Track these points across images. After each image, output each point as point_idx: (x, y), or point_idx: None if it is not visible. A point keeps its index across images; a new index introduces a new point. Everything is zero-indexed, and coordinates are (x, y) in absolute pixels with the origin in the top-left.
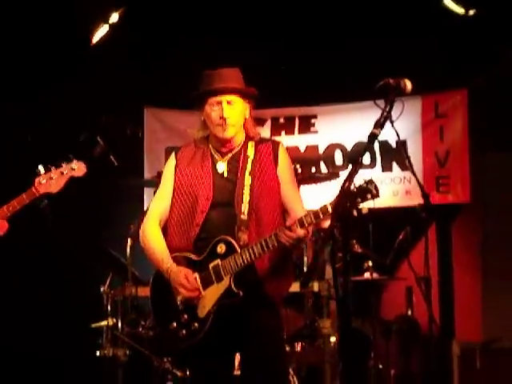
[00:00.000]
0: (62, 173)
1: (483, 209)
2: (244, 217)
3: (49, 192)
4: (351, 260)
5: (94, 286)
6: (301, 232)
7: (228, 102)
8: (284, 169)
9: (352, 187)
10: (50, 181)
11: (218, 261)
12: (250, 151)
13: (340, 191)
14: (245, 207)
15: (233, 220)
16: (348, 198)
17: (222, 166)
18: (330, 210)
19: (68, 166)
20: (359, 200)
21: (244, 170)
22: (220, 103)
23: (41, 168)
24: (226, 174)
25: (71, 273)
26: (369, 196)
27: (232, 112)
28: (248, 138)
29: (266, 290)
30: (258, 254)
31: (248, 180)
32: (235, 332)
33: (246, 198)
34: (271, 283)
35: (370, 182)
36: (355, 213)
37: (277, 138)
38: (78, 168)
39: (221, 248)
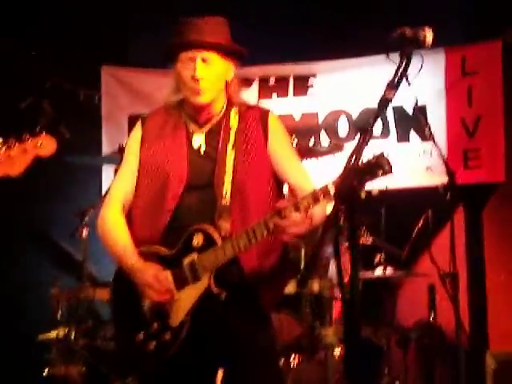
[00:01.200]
0: (26, 150)
1: None
2: (225, 201)
3: (8, 175)
4: (360, 253)
5: (40, 287)
6: (296, 218)
7: (203, 60)
8: (278, 140)
9: (359, 163)
10: (8, 160)
11: (195, 255)
12: (233, 120)
13: (345, 168)
14: (226, 189)
15: (212, 205)
16: (355, 174)
17: (198, 140)
18: (331, 190)
19: (34, 142)
20: (368, 178)
21: (225, 144)
22: (193, 60)
23: None
24: (203, 149)
25: (11, 272)
26: (379, 172)
27: (207, 72)
28: (231, 104)
29: (254, 291)
30: (243, 247)
31: (230, 156)
32: (216, 344)
33: (229, 177)
34: (260, 284)
35: (381, 155)
36: (363, 194)
37: (267, 102)
38: (45, 145)
39: (197, 240)
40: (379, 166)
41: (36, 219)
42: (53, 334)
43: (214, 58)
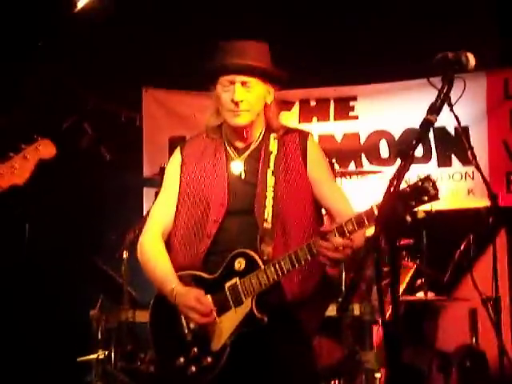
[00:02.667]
0: (26, 157)
1: None
2: (267, 225)
3: (14, 184)
4: (401, 276)
5: (81, 309)
6: (340, 241)
7: (243, 83)
8: (316, 164)
9: (404, 187)
10: (11, 170)
11: (237, 279)
12: (273, 145)
13: (387, 191)
14: (268, 214)
15: (254, 230)
16: (398, 200)
17: (238, 166)
18: (375, 212)
19: (32, 148)
20: (413, 203)
21: (265, 169)
22: (233, 83)
23: None
24: (243, 175)
25: (53, 293)
26: (425, 198)
27: (247, 95)
28: (270, 129)
29: (296, 316)
30: (286, 271)
31: (271, 181)
32: (258, 368)
33: (270, 202)
34: (302, 308)
35: (427, 179)
36: (409, 218)
37: (308, 126)
38: (44, 148)
39: (239, 264)
40: (425, 191)
41: (79, 241)
42: (93, 356)
43: (253, 81)
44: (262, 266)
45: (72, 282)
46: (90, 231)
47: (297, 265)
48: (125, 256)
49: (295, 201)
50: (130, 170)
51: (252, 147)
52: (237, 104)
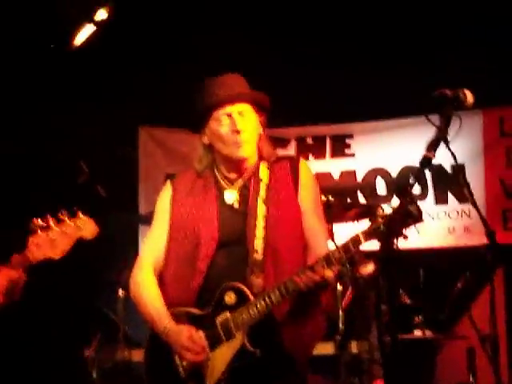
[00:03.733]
0: (66, 233)
1: None
2: (258, 256)
3: (50, 258)
4: (399, 314)
5: (76, 348)
6: (329, 273)
7: (240, 113)
8: (306, 192)
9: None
10: (48, 243)
11: (227, 314)
12: (263, 174)
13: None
14: (258, 244)
15: (244, 262)
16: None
17: (231, 196)
18: (362, 240)
19: (72, 223)
20: (399, 227)
21: (256, 198)
22: (230, 115)
23: (36, 222)
24: (236, 206)
25: (47, 332)
26: (410, 220)
27: (246, 124)
28: (261, 158)
29: (289, 343)
30: (276, 302)
31: (262, 210)
32: None
33: (260, 232)
34: (295, 334)
35: (410, 202)
36: (396, 242)
37: None
38: (86, 227)
39: (229, 297)
40: (408, 213)
41: (75, 281)
42: None
43: (248, 110)
44: (252, 299)
45: (68, 321)
46: (86, 269)
47: (286, 296)
48: (121, 295)
49: (287, 230)
50: (126, 207)
51: (245, 177)
52: (239, 133)
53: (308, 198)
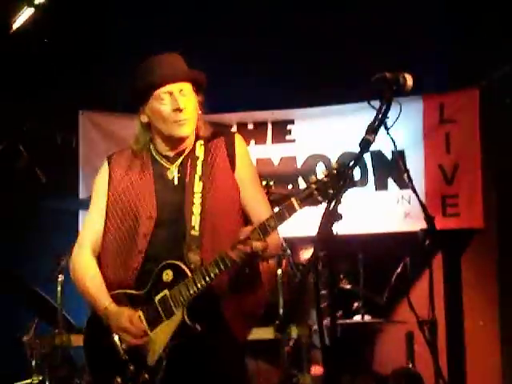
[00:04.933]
0: None
1: (499, 235)
2: (195, 232)
3: None
4: (338, 299)
5: (13, 334)
6: (257, 245)
7: (180, 92)
8: (243, 167)
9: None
10: None
11: (166, 291)
12: (199, 151)
13: (324, 212)
14: (195, 221)
15: (182, 239)
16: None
17: (169, 174)
18: (296, 207)
19: None
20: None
21: (193, 176)
22: (171, 93)
23: None
24: (174, 184)
25: None
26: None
27: (187, 103)
28: (198, 137)
29: (229, 317)
30: (213, 276)
31: (198, 187)
32: (195, 379)
33: (197, 208)
34: (235, 308)
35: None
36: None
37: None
38: None
39: (167, 275)
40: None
41: (12, 264)
42: (27, 382)
43: (188, 89)
44: (190, 275)
45: (5, 305)
46: (25, 254)
47: (224, 268)
48: (60, 279)
49: (224, 205)
50: (66, 192)
51: (183, 155)
52: (181, 111)
53: (245, 170)
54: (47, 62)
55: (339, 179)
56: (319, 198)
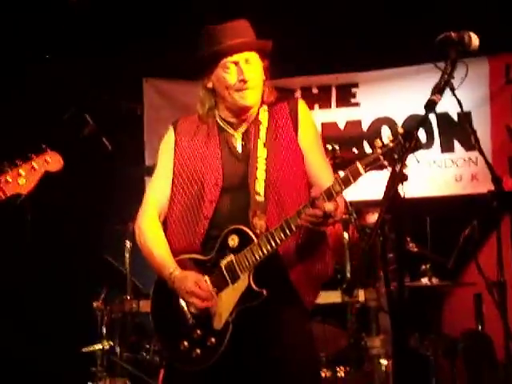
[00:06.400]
0: (34, 168)
1: None
2: (260, 198)
3: (18, 193)
4: (406, 262)
5: (85, 300)
6: (330, 206)
7: (246, 61)
8: (306, 132)
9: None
10: (18, 178)
11: (232, 256)
12: (263, 117)
13: (391, 174)
14: (260, 187)
15: (247, 205)
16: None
17: (234, 142)
18: (361, 171)
19: (40, 159)
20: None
21: (257, 142)
22: (237, 63)
23: (6, 163)
24: (239, 150)
25: (56, 284)
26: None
27: (253, 72)
28: (262, 103)
29: (296, 281)
30: (279, 240)
31: (263, 153)
32: (261, 343)
33: (261, 175)
34: (302, 272)
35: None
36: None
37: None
38: (53, 160)
39: (233, 240)
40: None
41: (82, 232)
42: (98, 347)
43: (254, 57)
44: (255, 240)
45: (76, 273)
46: (93, 222)
47: (289, 233)
48: (128, 246)
49: (288, 171)
50: (132, 159)
51: (248, 122)
52: (246, 82)
53: (308, 136)
54: (111, 31)
55: (405, 144)
56: (385, 163)
